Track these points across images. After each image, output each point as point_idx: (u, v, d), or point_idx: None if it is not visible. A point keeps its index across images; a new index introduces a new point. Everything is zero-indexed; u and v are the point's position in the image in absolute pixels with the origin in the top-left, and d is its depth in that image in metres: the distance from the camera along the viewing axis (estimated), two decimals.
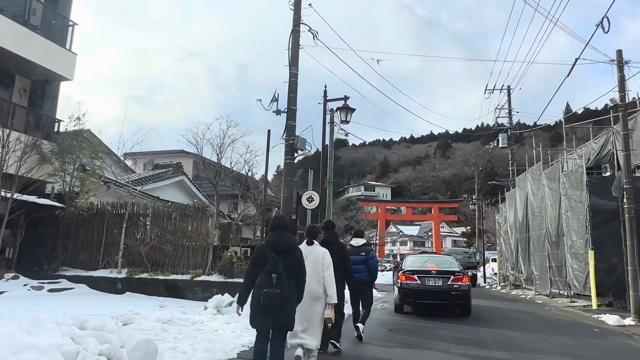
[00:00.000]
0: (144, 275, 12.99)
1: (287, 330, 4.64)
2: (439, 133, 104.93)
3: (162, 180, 22.89)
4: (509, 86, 29.73)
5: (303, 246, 5.45)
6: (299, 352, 5.15)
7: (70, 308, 9.93)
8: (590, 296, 13.44)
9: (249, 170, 20.37)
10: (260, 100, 12.31)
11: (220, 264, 12.51)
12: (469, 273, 23.82)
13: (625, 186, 11.52)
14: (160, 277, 12.85)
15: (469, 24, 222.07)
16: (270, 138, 13.45)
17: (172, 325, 7.66)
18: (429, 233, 68.68)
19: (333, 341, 6.49)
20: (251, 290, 4.58)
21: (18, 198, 12.38)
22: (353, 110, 15.59)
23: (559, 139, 25.11)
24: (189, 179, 25.26)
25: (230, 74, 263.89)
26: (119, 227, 13.72)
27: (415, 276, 10.88)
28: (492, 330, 9.33)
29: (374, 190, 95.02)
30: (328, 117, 16.40)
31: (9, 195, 12.08)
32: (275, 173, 71.63)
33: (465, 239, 59.40)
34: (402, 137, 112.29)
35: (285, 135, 12.23)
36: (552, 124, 28.46)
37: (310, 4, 12.98)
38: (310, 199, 12.55)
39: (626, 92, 11.87)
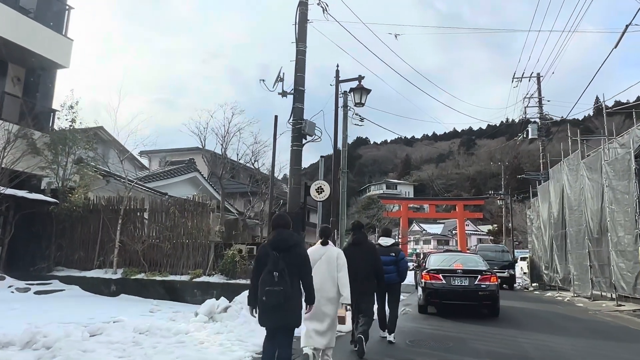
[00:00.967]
0: (141, 276, 11.91)
1: (293, 327, 4.55)
2: (462, 130, 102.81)
3: (174, 177, 22.09)
4: (538, 73, 27.95)
5: (317, 246, 5.59)
6: (308, 350, 5.19)
7: (49, 313, 8.91)
8: None
9: (262, 164, 19.25)
10: (263, 80, 11.06)
11: (222, 263, 11.33)
12: (506, 273, 22.10)
13: None
14: (158, 278, 11.74)
15: (492, 20, 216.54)
16: (277, 124, 12.18)
17: (150, 337, 6.42)
18: (453, 231, 66.53)
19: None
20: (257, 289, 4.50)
21: (3, 192, 11.39)
22: (369, 91, 14.02)
23: (589, 133, 23.25)
24: (202, 175, 24.40)
25: (252, 75, 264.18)
26: (115, 224, 12.64)
27: (440, 275, 10.34)
28: (533, 339, 7.88)
29: (396, 189, 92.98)
30: (341, 100, 14.92)
31: None
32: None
33: (492, 237, 57.19)
34: (424, 134, 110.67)
35: (292, 119, 10.93)
36: (580, 119, 26.52)
37: None
38: (319, 190, 11.17)
39: None
